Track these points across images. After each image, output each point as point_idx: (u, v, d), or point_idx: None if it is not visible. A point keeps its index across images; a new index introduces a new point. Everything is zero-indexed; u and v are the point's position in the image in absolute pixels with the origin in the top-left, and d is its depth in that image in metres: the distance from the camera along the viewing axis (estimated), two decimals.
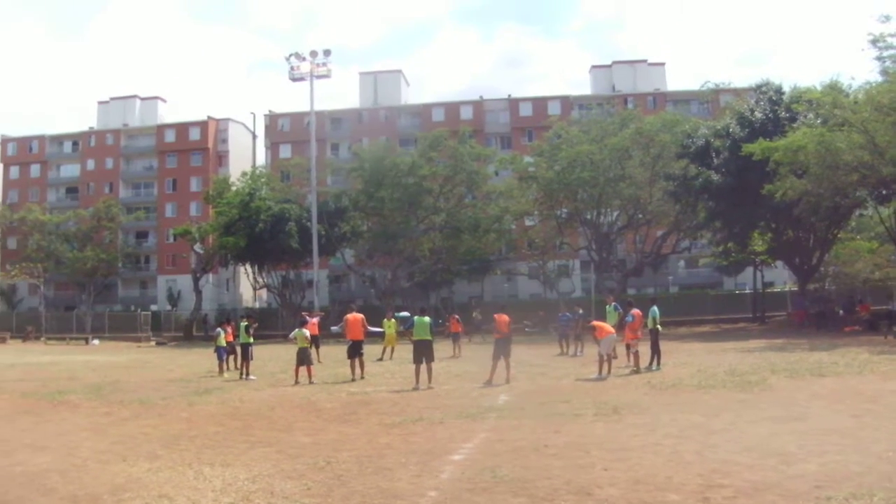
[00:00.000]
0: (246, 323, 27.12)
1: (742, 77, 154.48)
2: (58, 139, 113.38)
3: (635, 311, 23.59)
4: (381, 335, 32.21)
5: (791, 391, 16.82)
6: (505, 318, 21.96)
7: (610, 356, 22.08)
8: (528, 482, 9.14)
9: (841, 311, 46.35)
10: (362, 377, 23.50)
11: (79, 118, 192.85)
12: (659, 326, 24.15)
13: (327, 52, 60.10)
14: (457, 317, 36.27)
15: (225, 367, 27.68)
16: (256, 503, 8.67)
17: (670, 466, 9.76)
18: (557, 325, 35.07)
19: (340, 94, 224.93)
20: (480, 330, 41.18)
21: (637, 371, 22.28)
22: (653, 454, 10.61)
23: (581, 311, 33.79)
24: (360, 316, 24.93)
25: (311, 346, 25.04)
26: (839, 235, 52.23)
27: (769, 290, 67.16)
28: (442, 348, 28.37)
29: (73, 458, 11.75)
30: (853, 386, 17.34)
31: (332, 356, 33.83)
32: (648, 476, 9.26)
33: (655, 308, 24.36)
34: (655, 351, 23.55)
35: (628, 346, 23.06)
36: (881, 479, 8.52)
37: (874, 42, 38.38)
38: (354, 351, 24.04)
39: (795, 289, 56.14)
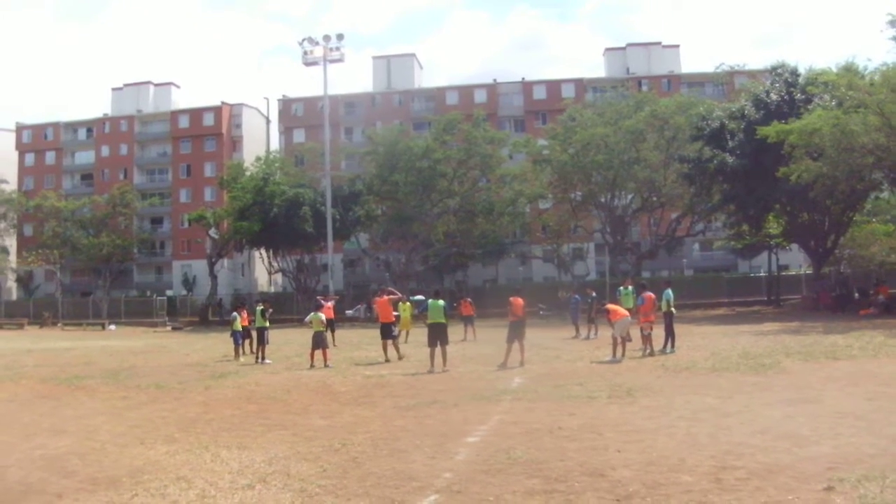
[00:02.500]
0: (262, 307, 27.21)
1: (757, 59, 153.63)
2: (72, 126, 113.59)
3: (647, 294, 23.57)
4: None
5: (805, 374, 16.82)
6: (520, 301, 21.96)
7: (624, 339, 22.09)
8: (543, 464, 9.19)
9: (857, 295, 46.19)
10: (399, 358, 23.74)
11: (93, 105, 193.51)
12: (673, 309, 24.15)
13: (340, 37, 60.00)
14: (469, 300, 36.22)
15: (241, 351, 27.78)
16: (273, 485, 8.73)
17: (683, 448, 9.79)
18: (569, 308, 35.09)
19: (354, 78, 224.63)
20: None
21: (651, 354, 22.29)
22: (666, 436, 10.64)
23: (594, 295, 33.78)
24: (388, 298, 25.55)
25: (326, 330, 25.11)
26: (854, 218, 51.96)
27: (784, 274, 66.96)
28: (455, 332, 28.43)
29: (91, 441, 11.85)
30: (868, 369, 17.31)
31: (347, 340, 34.01)
32: (662, 458, 9.29)
33: (670, 291, 24.34)
34: (669, 333, 23.59)
35: (642, 329, 23.06)
36: (894, 462, 8.52)
37: (892, 23, 38.14)
38: (386, 333, 24.43)
39: (810, 272, 55.94)
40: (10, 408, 16.20)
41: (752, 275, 77.81)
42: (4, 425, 13.71)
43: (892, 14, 38.06)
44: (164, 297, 78.86)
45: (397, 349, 24.40)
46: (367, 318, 59.51)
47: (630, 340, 22.91)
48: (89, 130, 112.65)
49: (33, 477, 9.52)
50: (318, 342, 23.28)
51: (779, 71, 50.22)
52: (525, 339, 21.56)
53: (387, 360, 23.63)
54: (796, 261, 77.37)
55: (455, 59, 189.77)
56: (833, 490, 7.51)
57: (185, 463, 10.12)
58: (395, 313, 26.76)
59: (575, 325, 32.61)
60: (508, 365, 20.65)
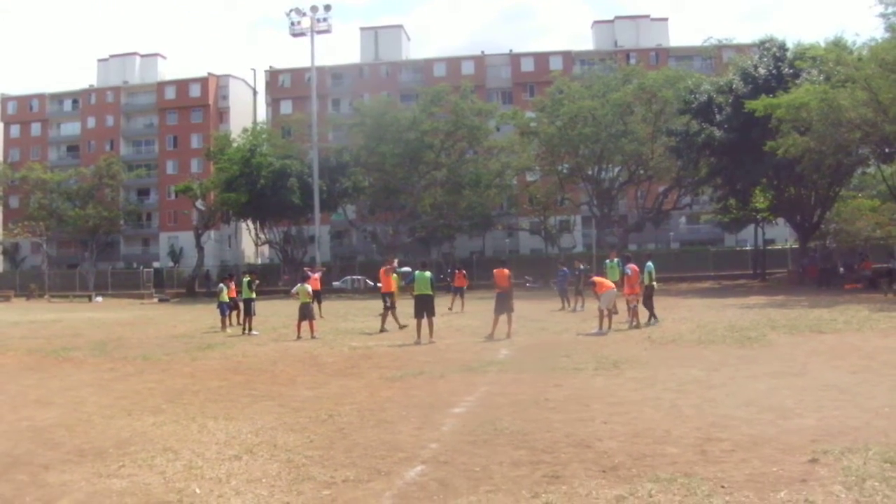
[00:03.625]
0: (248, 279, 27.21)
1: (746, 33, 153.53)
2: (58, 97, 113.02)
3: (632, 265, 23.59)
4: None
5: (790, 347, 16.89)
6: (505, 272, 22.02)
7: (610, 311, 22.17)
8: (529, 435, 9.21)
9: (842, 269, 46.38)
10: (399, 328, 23.98)
11: (79, 76, 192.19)
12: (654, 283, 24.21)
13: (328, 8, 59.87)
14: (464, 272, 36.24)
15: (227, 322, 27.81)
16: (260, 456, 8.74)
17: (669, 420, 9.83)
18: (556, 279, 35.18)
19: (341, 49, 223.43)
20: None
21: (637, 326, 22.36)
22: (652, 408, 10.68)
23: (583, 267, 33.90)
24: (385, 268, 26.34)
25: (312, 301, 25.13)
26: (841, 193, 52.21)
27: (770, 248, 67.22)
28: (443, 302, 28.50)
29: (78, 413, 11.84)
30: (852, 342, 17.40)
31: (334, 311, 34.05)
32: (647, 429, 9.33)
33: (651, 264, 24.34)
34: (648, 307, 23.66)
35: (628, 302, 23.13)
36: (877, 434, 8.58)
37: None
38: (384, 301, 25.11)
39: (796, 246, 56.14)
40: None
41: (738, 248, 78.08)
42: None
43: None
44: (151, 269, 78.90)
45: (396, 319, 24.48)
46: (354, 289, 59.71)
47: (616, 313, 23.00)
48: (75, 102, 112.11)
49: (20, 448, 9.51)
50: (305, 313, 23.32)
51: (767, 45, 50.20)
52: (513, 312, 21.61)
53: (382, 330, 23.84)
54: (782, 235, 77.65)
55: (443, 31, 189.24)
56: (817, 462, 7.56)
57: (172, 434, 10.12)
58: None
59: (562, 298, 32.70)
60: (495, 336, 20.75)
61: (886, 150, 42.12)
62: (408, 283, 24.23)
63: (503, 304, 21.38)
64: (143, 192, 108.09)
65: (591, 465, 7.81)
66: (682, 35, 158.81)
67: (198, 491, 7.46)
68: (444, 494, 7.11)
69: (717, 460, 7.82)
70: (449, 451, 8.62)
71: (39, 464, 8.69)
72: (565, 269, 34.55)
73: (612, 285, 23.02)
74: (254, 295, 26.74)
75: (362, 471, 7.93)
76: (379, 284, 30.06)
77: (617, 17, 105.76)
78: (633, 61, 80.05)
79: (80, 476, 8.10)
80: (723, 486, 6.98)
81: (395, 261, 29.82)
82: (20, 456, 9.11)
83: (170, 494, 7.40)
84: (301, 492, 7.35)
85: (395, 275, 32.17)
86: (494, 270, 22.39)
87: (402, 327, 23.81)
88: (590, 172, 62.70)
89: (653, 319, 23.28)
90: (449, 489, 7.25)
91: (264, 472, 8.05)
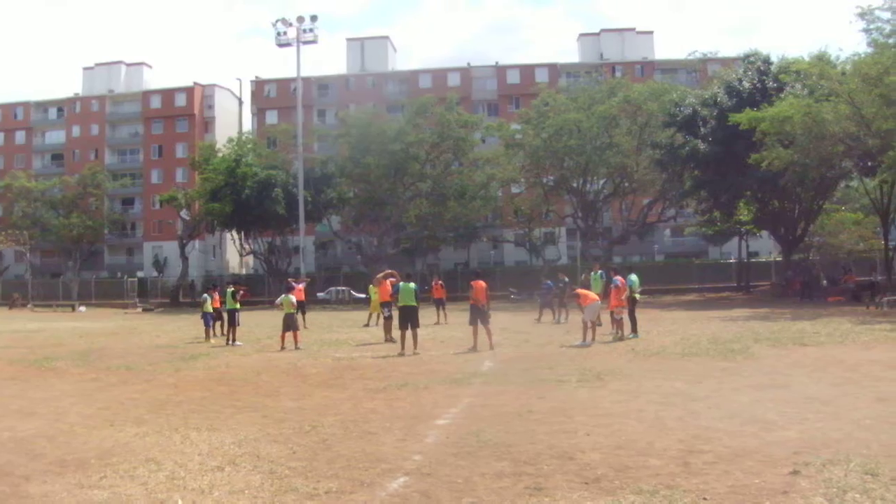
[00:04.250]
0: (233, 289, 27.17)
1: (730, 47, 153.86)
2: (43, 105, 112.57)
3: (619, 278, 23.63)
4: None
5: (773, 360, 16.95)
6: (481, 284, 22.04)
7: (594, 323, 22.21)
8: (512, 447, 9.23)
9: (825, 282, 46.61)
10: (385, 340, 24.15)
11: (64, 84, 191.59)
12: (637, 295, 24.28)
13: (314, 18, 60.12)
14: (441, 282, 36.29)
15: (211, 333, 27.77)
16: (242, 467, 8.73)
17: (652, 432, 9.86)
18: (540, 292, 35.21)
19: (328, 60, 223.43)
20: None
21: (621, 338, 22.41)
22: (635, 420, 10.71)
23: (567, 279, 33.95)
24: (387, 277, 26.87)
25: (297, 312, 25.09)
26: (824, 206, 52.51)
27: (754, 260, 67.46)
28: (427, 315, 28.54)
29: (60, 423, 11.79)
30: (834, 355, 17.47)
31: (318, 322, 34.01)
32: (630, 441, 9.36)
33: (634, 276, 24.46)
34: (631, 319, 23.72)
35: (613, 314, 23.18)
36: (858, 446, 8.63)
37: (861, 15, 38.43)
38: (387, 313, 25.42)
39: (780, 259, 56.38)
40: None
41: (722, 261, 78.29)
42: None
43: (862, 7, 38.31)
44: (135, 279, 78.48)
45: (389, 330, 24.52)
46: (339, 300, 59.66)
47: (600, 325, 23.04)
48: (60, 110, 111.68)
49: (1, 459, 9.46)
50: (289, 324, 23.28)
51: (751, 59, 50.51)
52: (490, 324, 21.64)
53: (387, 340, 24.11)
54: (766, 248, 78.00)
55: (429, 43, 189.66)
56: (799, 474, 7.60)
57: (155, 445, 10.10)
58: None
59: (540, 310, 32.70)
60: (478, 348, 20.76)
61: (869, 164, 42.32)
62: (392, 294, 24.26)
63: (478, 315, 21.43)
64: (128, 202, 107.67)
65: (574, 477, 7.83)
66: (667, 48, 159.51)
67: (180, 502, 7.45)
68: None
69: (699, 472, 7.84)
70: (432, 462, 8.62)
71: (20, 474, 8.64)
72: (549, 282, 34.61)
73: (597, 297, 23.07)
74: (238, 305, 26.71)
75: (345, 482, 7.93)
76: (364, 295, 30.10)
77: (603, 30, 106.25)
78: (618, 74, 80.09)
79: (62, 487, 8.07)
80: (705, 499, 7.01)
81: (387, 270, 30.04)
82: (1, 466, 9.07)
83: None
84: (284, 503, 7.34)
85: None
86: (472, 283, 22.36)
87: (388, 341, 23.80)
88: (575, 185, 62.76)
89: (632, 334, 23.33)
90: (432, 501, 7.25)
91: (247, 483, 8.03)
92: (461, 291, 43.73)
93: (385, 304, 25.40)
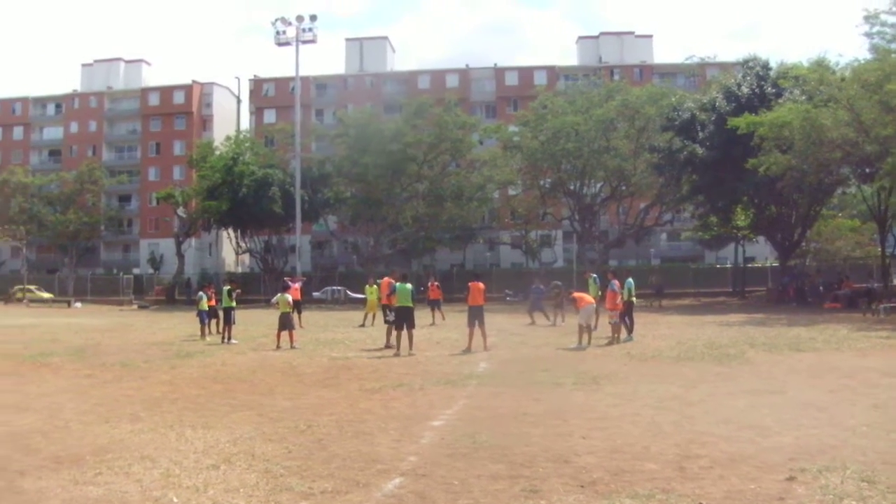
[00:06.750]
0: (229, 287, 27.14)
1: (729, 51, 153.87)
2: (41, 101, 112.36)
3: (616, 281, 23.65)
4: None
5: (769, 365, 16.97)
6: (479, 285, 22.06)
7: (590, 326, 22.21)
8: (507, 449, 9.21)
9: (821, 288, 46.62)
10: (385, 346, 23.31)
11: (62, 80, 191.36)
12: (633, 299, 24.37)
13: (313, 18, 60.03)
14: (437, 283, 36.25)
15: (207, 330, 27.69)
16: (237, 465, 8.71)
17: (648, 436, 9.86)
18: (530, 296, 35.16)
19: (326, 60, 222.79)
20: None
21: (617, 341, 22.41)
22: (631, 424, 10.71)
23: (560, 284, 33.93)
24: (386, 280, 27.13)
25: (293, 311, 25.06)
26: (821, 212, 52.53)
27: (750, 265, 67.53)
28: (424, 316, 28.54)
29: (55, 419, 11.77)
30: (830, 361, 17.50)
31: (314, 321, 33.99)
32: (626, 445, 9.35)
33: (631, 280, 24.57)
34: (629, 322, 23.76)
35: (609, 318, 23.19)
36: (854, 453, 8.64)
37: (867, 18, 38.37)
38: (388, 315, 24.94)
39: (776, 265, 56.42)
40: None
41: (718, 266, 78.46)
42: None
43: (868, 10, 38.27)
44: (131, 276, 78.53)
45: (387, 335, 23.86)
46: (335, 300, 59.60)
47: (596, 329, 23.03)
48: (58, 106, 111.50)
49: None
50: (285, 323, 23.24)
51: (750, 64, 50.58)
52: (485, 325, 21.63)
53: (387, 346, 22.99)
54: (763, 253, 77.98)
55: (427, 43, 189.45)
56: (794, 480, 7.60)
57: (150, 442, 10.08)
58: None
59: (531, 314, 32.62)
60: (473, 349, 20.75)
61: (867, 170, 42.40)
62: (388, 294, 24.20)
63: (475, 317, 21.47)
64: (125, 199, 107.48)
65: (570, 480, 7.82)
66: (666, 52, 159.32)
67: (175, 500, 7.43)
68: None
69: (695, 477, 7.84)
70: (428, 463, 8.61)
71: (15, 470, 8.63)
72: (541, 286, 34.58)
73: (592, 300, 23.13)
74: (233, 304, 26.65)
75: (340, 482, 7.92)
76: (362, 296, 30.06)
77: (602, 33, 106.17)
78: (616, 77, 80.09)
79: (57, 483, 8.05)
80: (700, 503, 7.00)
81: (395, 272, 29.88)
82: None
83: (146, 503, 7.37)
84: (279, 502, 7.33)
85: (374, 286, 32.11)
86: (469, 284, 22.33)
87: (388, 347, 23.35)
88: (572, 187, 62.71)
89: (626, 336, 23.34)
90: (427, 502, 7.25)
91: (242, 481, 8.02)
92: (457, 293, 43.74)
93: (388, 308, 25.04)
